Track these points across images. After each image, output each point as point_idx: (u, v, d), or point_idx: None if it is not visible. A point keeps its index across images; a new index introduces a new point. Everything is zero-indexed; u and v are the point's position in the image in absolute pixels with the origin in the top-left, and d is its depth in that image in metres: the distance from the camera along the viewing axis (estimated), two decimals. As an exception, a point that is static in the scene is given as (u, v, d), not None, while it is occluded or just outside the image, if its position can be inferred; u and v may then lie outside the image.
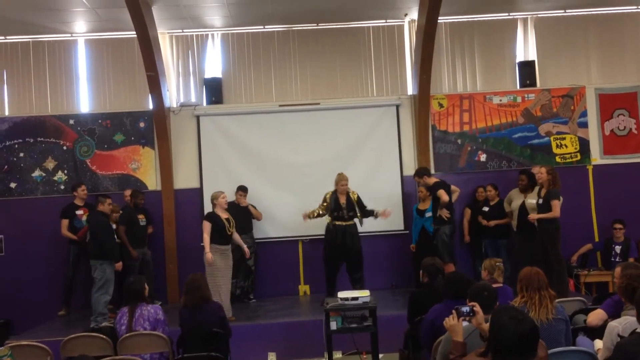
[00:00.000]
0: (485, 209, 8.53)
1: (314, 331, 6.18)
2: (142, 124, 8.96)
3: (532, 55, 9.37)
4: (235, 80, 9.28)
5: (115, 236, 7.59)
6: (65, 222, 8.10)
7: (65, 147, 8.88)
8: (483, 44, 9.38)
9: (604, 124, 9.16)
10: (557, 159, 9.03)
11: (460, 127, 9.09)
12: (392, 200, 8.90)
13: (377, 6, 8.68)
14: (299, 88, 9.27)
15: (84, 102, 9.22)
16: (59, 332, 6.60)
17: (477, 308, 3.33)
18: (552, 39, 9.37)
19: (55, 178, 8.86)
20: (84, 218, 8.04)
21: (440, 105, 9.10)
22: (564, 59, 9.35)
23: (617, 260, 8.12)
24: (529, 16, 9.37)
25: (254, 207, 8.48)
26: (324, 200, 7.81)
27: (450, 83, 9.35)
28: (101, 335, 4.97)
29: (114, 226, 7.78)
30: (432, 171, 8.64)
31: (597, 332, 4.17)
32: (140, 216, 8.23)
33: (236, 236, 7.21)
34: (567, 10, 9.31)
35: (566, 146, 9.09)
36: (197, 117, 8.99)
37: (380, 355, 5.61)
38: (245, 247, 7.36)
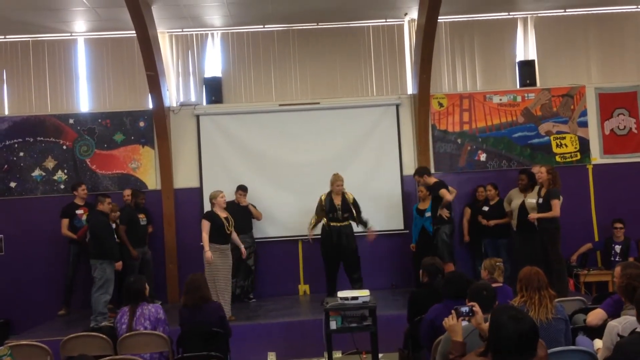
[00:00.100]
0: (485, 208, 8.53)
1: (313, 331, 6.18)
2: (142, 124, 8.96)
3: (532, 55, 9.37)
4: (235, 80, 9.28)
5: (115, 236, 7.59)
6: (65, 222, 8.10)
7: (65, 147, 8.88)
8: (483, 43, 9.38)
9: (603, 123, 9.16)
10: (557, 159, 9.03)
11: (460, 126, 9.09)
12: (392, 200, 8.92)
13: (377, 6, 8.68)
14: (299, 87, 9.27)
15: (84, 102, 9.22)
16: (58, 332, 6.59)
17: (477, 308, 3.33)
18: (552, 38, 9.37)
19: (55, 177, 8.86)
20: (84, 217, 8.04)
21: (440, 105, 9.10)
22: (564, 59, 9.35)
23: (617, 259, 8.13)
24: (529, 16, 9.36)
25: (254, 207, 8.48)
26: (320, 203, 7.82)
27: (450, 82, 9.35)
28: (101, 335, 4.98)
29: (114, 226, 7.78)
30: (432, 171, 8.64)
31: (596, 331, 4.17)
32: (141, 216, 8.24)
33: (234, 236, 7.21)
34: (567, 10, 9.31)
35: (566, 146, 9.09)
36: (197, 117, 8.99)
37: (380, 355, 5.61)
38: (242, 247, 7.35)
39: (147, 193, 8.71)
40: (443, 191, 7.54)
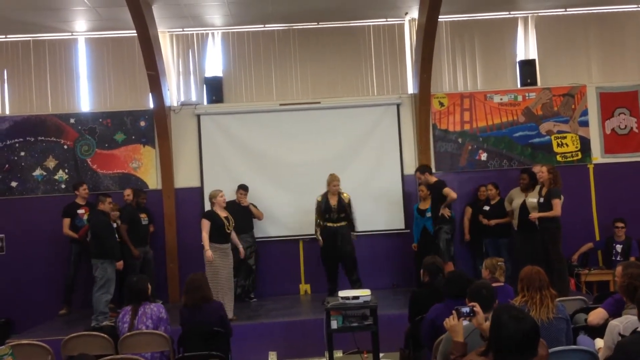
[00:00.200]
0: (486, 208, 8.52)
1: (314, 330, 6.18)
2: (142, 123, 8.96)
3: (533, 54, 9.36)
4: (235, 79, 9.28)
5: (117, 235, 7.60)
6: (67, 221, 8.10)
7: (66, 146, 8.89)
8: (484, 42, 9.37)
9: (604, 122, 9.16)
10: (558, 158, 9.02)
11: (461, 126, 9.08)
12: (392, 200, 8.92)
13: (377, 5, 8.68)
14: (300, 87, 9.27)
15: (85, 101, 9.22)
16: (59, 331, 6.59)
17: (478, 308, 3.33)
18: (552, 37, 9.36)
19: (56, 177, 8.86)
20: (85, 217, 8.04)
21: (441, 104, 9.09)
22: (564, 58, 9.34)
23: (618, 259, 8.12)
24: (529, 15, 9.36)
25: (255, 207, 8.48)
26: (318, 205, 7.84)
27: (450, 82, 9.35)
28: (102, 334, 4.97)
29: (115, 225, 7.78)
30: (433, 170, 8.63)
31: (598, 331, 4.16)
32: (142, 215, 8.25)
33: (233, 235, 7.20)
34: (567, 9, 9.30)
35: (567, 145, 9.09)
36: (198, 116, 8.99)
37: (381, 355, 5.61)
38: (241, 247, 7.34)
39: (148, 192, 8.71)
40: (447, 189, 7.55)
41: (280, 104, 9.06)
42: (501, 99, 9.12)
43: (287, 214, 8.78)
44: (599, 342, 3.95)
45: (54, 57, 9.15)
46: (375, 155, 8.98)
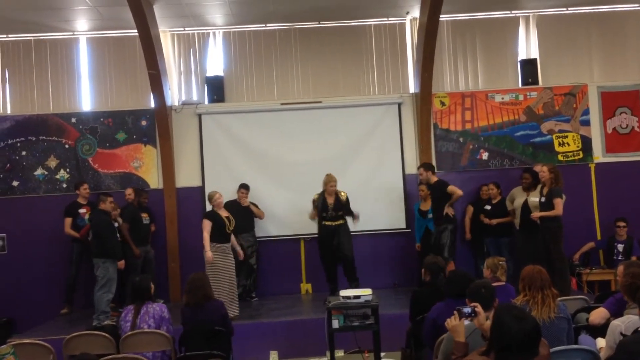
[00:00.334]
0: (487, 207, 8.52)
1: (316, 330, 6.18)
2: (144, 123, 8.97)
3: (534, 53, 9.36)
4: (236, 79, 9.28)
5: (118, 234, 7.60)
6: (68, 221, 8.10)
7: (67, 146, 8.89)
8: (485, 42, 9.36)
9: (606, 122, 9.15)
10: (560, 157, 9.02)
11: (462, 125, 9.08)
12: (394, 199, 8.92)
13: (378, 4, 8.67)
14: (301, 86, 9.27)
15: (86, 101, 9.23)
16: (61, 331, 6.60)
17: (479, 309, 3.32)
18: (554, 37, 9.36)
19: (58, 176, 8.86)
20: (87, 216, 8.05)
21: (442, 104, 9.09)
22: (566, 57, 9.33)
23: (619, 258, 8.11)
24: (530, 14, 9.35)
25: (256, 206, 8.48)
26: (313, 203, 7.88)
27: (452, 81, 9.34)
28: (103, 334, 4.99)
29: (116, 224, 7.78)
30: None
31: (599, 330, 4.16)
32: (144, 215, 8.26)
33: (232, 238, 7.20)
34: (569, 8, 9.29)
35: (568, 144, 9.08)
36: (199, 116, 8.99)
37: (383, 354, 5.61)
38: (239, 249, 7.33)
39: (149, 192, 8.72)
40: (452, 187, 7.54)
41: (282, 104, 9.07)
42: (502, 99, 9.12)
43: (289, 213, 8.78)
44: (601, 342, 3.95)
45: (55, 57, 9.16)
46: (376, 154, 8.98)
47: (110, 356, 4.34)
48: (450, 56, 9.34)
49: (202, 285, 5.07)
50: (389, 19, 9.29)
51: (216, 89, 9.11)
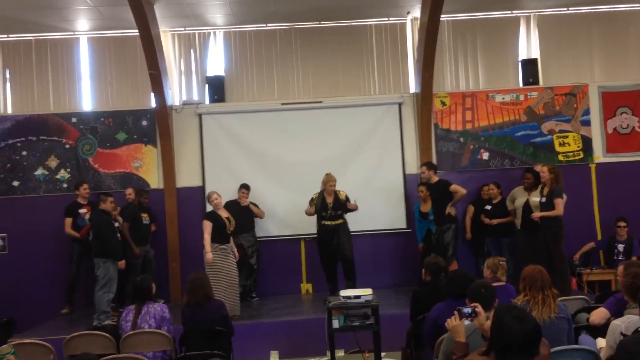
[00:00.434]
0: (488, 207, 8.51)
1: (316, 329, 6.17)
2: (144, 122, 8.97)
3: (535, 53, 9.36)
4: (237, 79, 9.29)
5: (119, 234, 7.60)
6: (68, 221, 8.11)
7: (67, 146, 8.89)
8: (486, 42, 9.36)
9: (606, 122, 9.14)
10: (560, 157, 9.01)
11: (463, 125, 9.08)
12: (394, 199, 8.92)
13: (379, 4, 8.67)
14: (302, 86, 9.27)
15: (87, 101, 9.24)
16: (61, 330, 6.60)
17: (479, 309, 3.32)
18: (554, 36, 9.36)
19: (58, 176, 8.87)
20: (87, 216, 8.05)
21: (443, 104, 9.09)
22: (566, 57, 9.33)
23: (619, 258, 8.11)
24: (531, 14, 9.35)
25: (256, 206, 8.48)
26: (312, 202, 7.88)
27: (452, 81, 9.34)
28: (104, 334, 4.99)
29: (117, 224, 7.78)
30: (435, 170, 8.63)
31: (599, 330, 4.16)
32: (144, 215, 8.26)
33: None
34: (570, 8, 9.29)
35: (569, 144, 9.07)
36: (200, 116, 8.99)
37: (383, 354, 5.61)
38: (235, 251, 7.34)
39: (150, 192, 8.72)
40: (455, 186, 7.54)
41: (282, 103, 9.07)
42: (503, 98, 9.11)
43: (289, 213, 8.77)
44: (601, 342, 3.94)
45: (56, 57, 9.16)
46: (376, 154, 8.98)
47: (111, 356, 4.34)
48: (451, 56, 9.34)
49: (202, 285, 5.07)
50: (390, 18, 9.29)
51: (217, 88, 9.11)
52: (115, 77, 9.22)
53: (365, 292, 5.48)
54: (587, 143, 9.08)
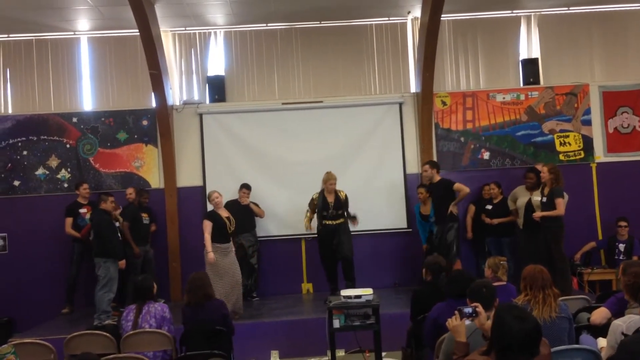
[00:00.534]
0: (489, 207, 8.51)
1: (316, 329, 6.17)
2: (145, 122, 8.97)
3: (536, 53, 9.35)
4: (238, 78, 9.28)
5: (119, 234, 7.60)
6: (69, 221, 8.11)
7: (68, 145, 8.90)
8: (486, 41, 9.36)
9: (607, 121, 9.14)
10: (561, 157, 9.01)
11: (464, 125, 9.07)
12: (395, 199, 8.92)
13: (380, 4, 8.67)
14: (302, 86, 9.27)
15: (87, 100, 9.24)
16: (62, 330, 6.60)
17: (480, 309, 3.32)
18: (555, 36, 9.35)
19: (59, 176, 8.87)
20: (87, 216, 8.05)
21: (444, 103, 9.08)
22: (567, 57, 9.33)
23: (620, 258, 8.11)
24: (532, 14, 9.34)
25: (256, 205, 8.48)
26: (312, 203, 7.84)
27: (453, 81, 9.34)
28: (104, 333, 4.99)
29: (117, 224, 7.79)
30: (435, 169, 8.62)
31: (600, 330, 4.16)
32: (144, 215, 8.26)
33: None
34: (570, 8, 9.29)
35: (570, 144, 9.07)
36: (200, 115, 9.00)
37: (383, 354, 5.60)
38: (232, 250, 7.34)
39: (150, 191, 8.72)
40: (459, 184, 7.54)
41: (283, 103, 9.07)
42: (504, 98, 9.11)
43: (289, 212, 8.77)
44: (602, 342, 3.94)
45: (57, 57, 9.16)
46: (377, 154, 8.98)
47: (111, 356, 4.34)
48: (451, 56, 9.34)
49: (202, 284, 5.07)
50: (390, 18, 9.29)
51: (217, 88, 9.11)
52: (116, 77, 9.22)
53: (366, 292, 5.47)
54: (587, 143, 9.07)
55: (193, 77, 9.30)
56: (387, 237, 8.91)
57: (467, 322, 3.37)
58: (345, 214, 7.84)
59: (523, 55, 9.38)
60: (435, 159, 8.88)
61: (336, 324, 5.40)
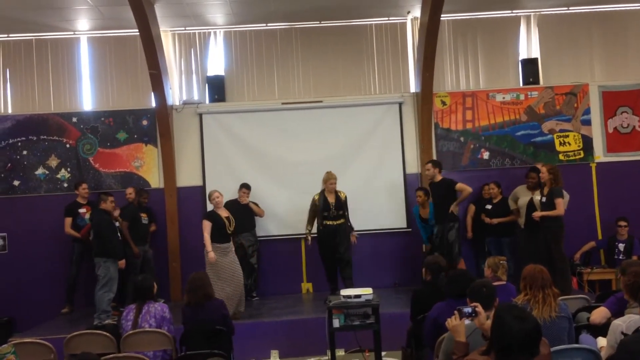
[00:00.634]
0: (488, 206, 8.51)
1: (316, 329, 6.18)
2: (144, 122, 8.97)
3: (535, 53, 9.35)
4: (237, 78, 9.28)
5: (119, 234, 7.60)
6: (68, 220, 8.11)
7: (68, 145, 8.90)
8: (486, 41, 9.36)
9: (607, 121, 9.14)
10: (561, 157, 9.01)
11: (463, 124, 9.08)
12: (394, 198, 8.92)
13: (379, 4, 8.67)
14: (302, 86, 9.27)
15: (87, 100, 9.24)
16: (62, 330, 6.60)
17: (480, 309, 3.32)
18: (555, 36, 9.36)
19: (59, 176, 8.87)
20: (87, 216, 8.06)
21: (443, 103, 9.09)
22: (567, 57, 9.33)
23: (620, 258, 8.11)
24: (532, 13, 9.34)
25: (256, 204, 8.48)
26: (313, 204, 7.82)
27: (453, 81, 9.34)
28: (104, 333, 4.99)
29: (117, 224, 7.79)
30: (435, 169, 8.62)
31: (600, 330, 4.16)
32: (143, 215, 8.26)
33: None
34: (570, 8, 9.29)
35: (569, 144, 9.07)
36: (200, 115, 9.00)
37: (383, 353, 5.60)
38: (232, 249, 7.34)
39: (150, 191, 8.72)
40: (461, 184, 7.54)
41: (283, 103, 9.07)
42: (503, 98, 9.11)
43: (289, 212, 8.77)
44: (602, 341, 3.94)
45: (57, 56, 9.16)
46: (377, 154, 8.98)
47: (111, 355, 4.34)
48: (451, 56, 9.34)
49: (202, 284, 5.07)
50: (390, 18, 9.29)
51: (217, 88, 9.11)
52: (116, 77, 9.22)
53: (366, 292, 5.48)
54: (587, 142, 9.08)
55: (193, 77, 9.30)
56: (387, 237, 8.92)
57: (467, 321, 3.37)
58: (346, 214, 7.83)
59: (523, 55, 9.38)
60: (435, 158, 8.87)
61: (336, 323, 5.40)
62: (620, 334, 3.55)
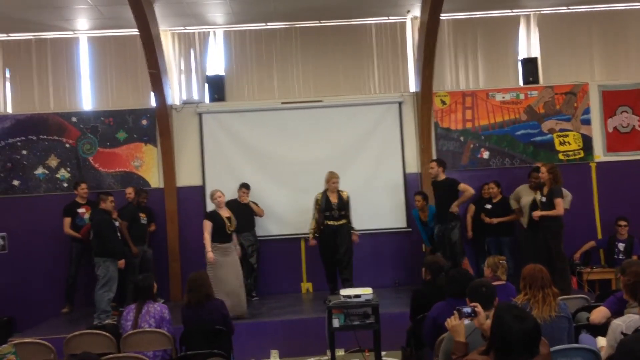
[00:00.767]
0: (488, 206, 8.51)
1: (316, 329, 6.18)
2: (144, 122, 8.97)
3: (535, 52, 9.35)
4: (237, 78, 9.28)
5: (119, 234, 7.60)
6: (67, 220, 8.11)
7: (68, 145, 8.90)
8: (486, 41, 9.36)
9: (607, 121, 9.14)
10: (560, 156, 9.01)
11: (463, 124, 9.08)
12: (394, 198, 8.92)
13: (379, 3, 8.66)
14: (302, 85, 9.26)
15: (87, 100, 9.23)
16: (62, 330, 6.60)
17: (479, 309, 3.32)
18: (555, 35, 9.35)
19: (58, 176, 8.87)
20: (86, 216, 8.06)
21: (443, 103, 9.08)
22: (567, 56, 9.33)
23: (620, 257, 8.11)
24: (531, 13, 9.34)
25: (256, 204, 8.48)
26: (316, 203, 7.80)
27: (452, 80, 9.33)
28: (104, 333, 4.98)
29: (117, 223, 7.79)
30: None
31: (600, 329, 4.16)
32: (142, 215, 8.25)
33: (233, 237, 7.20)
34: (570, 7, 9.28)
35: (569, 143, 9.07)
36: (200, 115, 8.99)
37: (383, 353, 5.60)
38: (238, 249, 7.33)
39: (150, 191, 8.71)
40: (464, 185, 7.53)
41: (282, 103, 9.07)
42: (503, 97, 9.11)
43: (289, 212, 8.78)
44: (601, 341, 3.95)
45: (56, 56, 9.16)
46: (377, 153, 8.98)
47: (111, 355, 4.34)
48: (451, 55, 9.34)
49: (202, 284, 5.06)
50: (390, 17, 9.28)
51: (217, 88, 9.11)
52: (116, 77, 9.21)
53: (366, 291, 5.48)
54: (587, 142, 9.08)
55: (192, 76, 9.30)
56: (387, 237, 8.92)
57: (466, 321, 3.37)
58: (349, 215, 7.82)
59: (522, 54, 9.38)
60: (434, 158, 8.87)
61: (336, 323, 5.40)
62: (620, 333, 3.55)
